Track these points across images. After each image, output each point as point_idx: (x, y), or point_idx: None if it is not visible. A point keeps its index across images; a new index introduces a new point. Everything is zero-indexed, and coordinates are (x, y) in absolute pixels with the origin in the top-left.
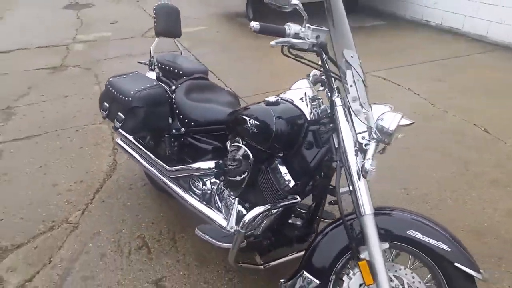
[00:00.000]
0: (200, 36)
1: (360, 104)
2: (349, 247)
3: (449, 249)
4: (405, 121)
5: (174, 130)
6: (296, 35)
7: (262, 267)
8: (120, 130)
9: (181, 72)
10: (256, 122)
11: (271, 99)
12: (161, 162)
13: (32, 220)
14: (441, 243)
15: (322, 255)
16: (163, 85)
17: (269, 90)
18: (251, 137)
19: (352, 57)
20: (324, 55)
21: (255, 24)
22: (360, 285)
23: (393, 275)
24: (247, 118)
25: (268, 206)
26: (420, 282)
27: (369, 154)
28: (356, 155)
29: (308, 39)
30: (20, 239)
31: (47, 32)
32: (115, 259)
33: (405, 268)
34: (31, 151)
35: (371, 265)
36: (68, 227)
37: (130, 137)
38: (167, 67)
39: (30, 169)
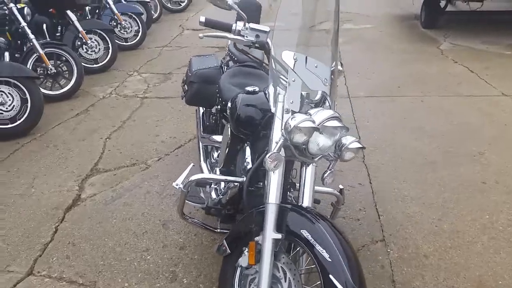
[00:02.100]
0: (359, 34)
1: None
2: (250, 228)
3: (329, 260)
4: (309, 124)
5: (215, 106)
6: (238, 32)
7: (215, 230)
8: (183, 99)
9: (235, 59)
10: (229, 105)
11: (250, 88)
12: (201, 128)
13: (126, 156)
14: (325, 251)
15: (238, 231)
16: (225, 68)
17: (382, 95)
18: (228, 118)
19: (295, 59)
20: (271, 53)
21: (201, 18)
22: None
23: (280, 266)
24: (228, 102)
25: (206, 176)
26: (298, 282)
27: (273, 148)
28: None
29: (247, 37)
30: (110, 166)
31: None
32: (153, 197)
33: (291, 264)
34: (160, 108)
35: (261, 249)
36: (142, 167)
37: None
38: (230, 54)
39: (151, 120)
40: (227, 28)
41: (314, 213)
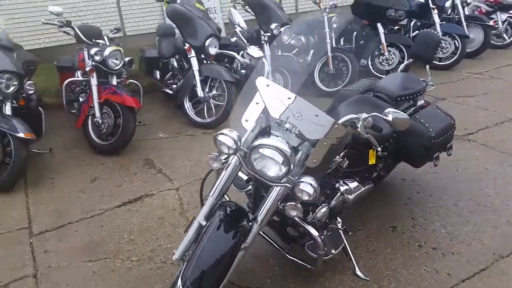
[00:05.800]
0: None
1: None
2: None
3: (196, 255)
4: (225, 139)
5: None
6: (242, 54)
7: None
8: None
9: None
10: None
11: None
12: None
13: None
14: (202, 250)
15: None
16: None
17: None
18: None
19: (268, 86)
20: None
21: (232, 39)
22: None
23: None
24: None
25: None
26: None
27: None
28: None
29: (244, 59)
30: None
31: None
32: None
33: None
34: None
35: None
36: None
37: None
38: None
39: None
40: (242, 47)
41: (234, 226)
